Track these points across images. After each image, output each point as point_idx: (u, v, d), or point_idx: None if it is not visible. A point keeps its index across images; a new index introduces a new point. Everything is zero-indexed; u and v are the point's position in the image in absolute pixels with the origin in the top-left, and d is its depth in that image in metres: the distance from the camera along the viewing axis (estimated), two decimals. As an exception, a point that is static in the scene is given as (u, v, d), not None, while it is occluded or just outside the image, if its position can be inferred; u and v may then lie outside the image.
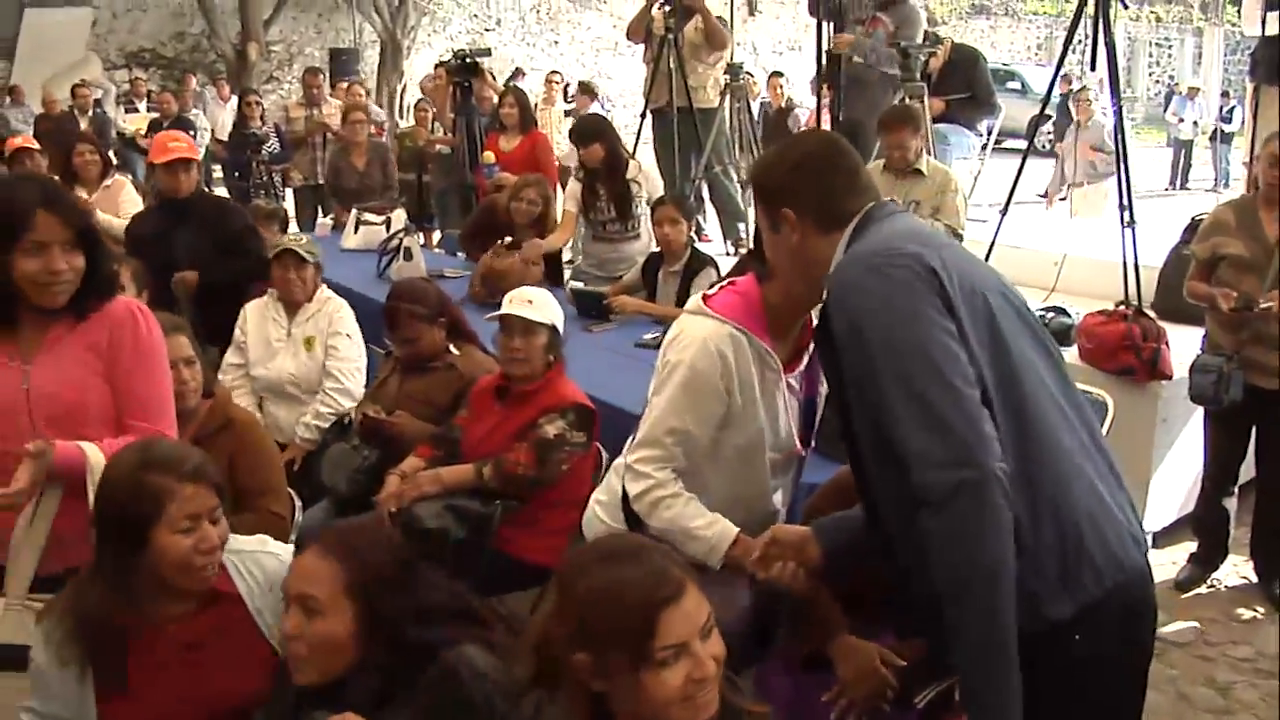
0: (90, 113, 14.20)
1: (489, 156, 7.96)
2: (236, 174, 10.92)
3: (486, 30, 26.48)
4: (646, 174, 6.58)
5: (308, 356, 4.80)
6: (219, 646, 2.43)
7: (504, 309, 3.89)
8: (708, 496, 2.82)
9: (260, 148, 10.31)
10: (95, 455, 2.67)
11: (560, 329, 3.96)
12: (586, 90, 13.28)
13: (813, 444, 3.03)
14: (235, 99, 15.90)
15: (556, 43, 27.98)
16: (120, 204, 6.91)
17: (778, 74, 15.17)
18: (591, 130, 6.60)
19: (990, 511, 1.94)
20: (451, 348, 4.49)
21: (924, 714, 2.74)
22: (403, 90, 22.42)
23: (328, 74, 22.93)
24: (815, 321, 2.40)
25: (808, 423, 2.95)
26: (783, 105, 14.13)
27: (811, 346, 2.83)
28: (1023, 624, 1.98)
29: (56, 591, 2.62)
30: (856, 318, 2.10)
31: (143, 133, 14.19)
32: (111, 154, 12.90)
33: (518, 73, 19.42)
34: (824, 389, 2.93)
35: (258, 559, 2.55)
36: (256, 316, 4.96)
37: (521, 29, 27.24)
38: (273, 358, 4.82)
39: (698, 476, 2.83)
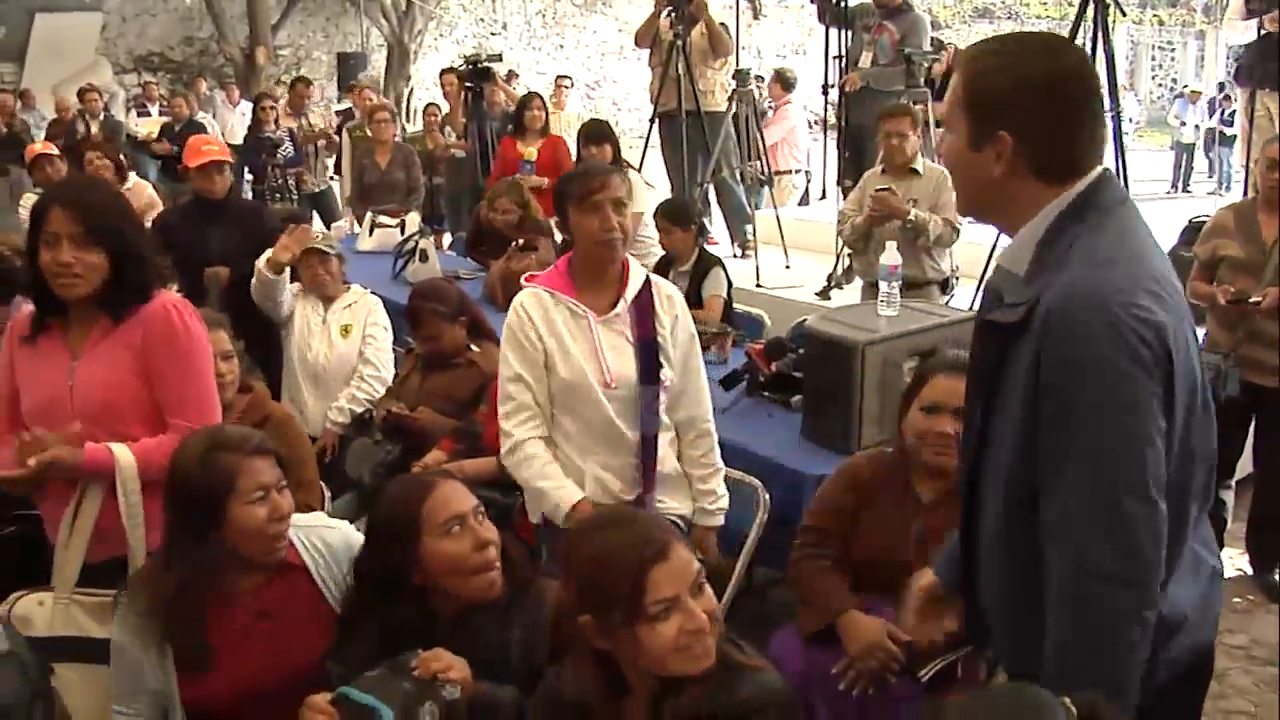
0: (100, 117, 14.33)
1: (531, 153, 8.08)
2: (251, 177, 11.04)
3: (492, 34, 26.61)
4: (632, 183, 6.74)
5: (344, 343, 5.01)
6: (290, 614, 2.60)
7: None
8: (565, 435, 3.38)
9: (275, 151, 10.45)
10: (125, 456, 2.84)
11: None
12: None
13: (663, 381, 3.36)
14: (243, 103, 16.09)
15: (562, 46, 28.10)
16: (143, 208, 7.05)
17: (760, 78, 15.31)
18: (602, 132, 6.81)
19: (1139, 633, 1.86)
20: (471, 345, 4.64)
21: (929, 686, 2.87)
22: (409, 94, 22.56)
23: (336, 78, 23.27)
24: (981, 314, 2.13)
25: (645, 362, 3.33)
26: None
27: (628, 293, 3.32)
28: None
29: (100, 581, 2.84)
30: (1076, 379, 1.85)
31: (154, 136, 14.29)
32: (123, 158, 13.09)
33: (511, 76, 19.54)
34: (663, 334, 3.35)
35: (320, 533, 2.73)
36: (299, 306, 5.15)
37: (527, 33, 27.37)
38: (309, 338, 5.00)
39: (555, 421, 3.39)
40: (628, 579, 2.03)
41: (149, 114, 16.74)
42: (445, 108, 10.83)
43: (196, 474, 2.51)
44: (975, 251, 6.09)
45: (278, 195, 10.23)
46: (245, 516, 2.51)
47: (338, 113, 13.37)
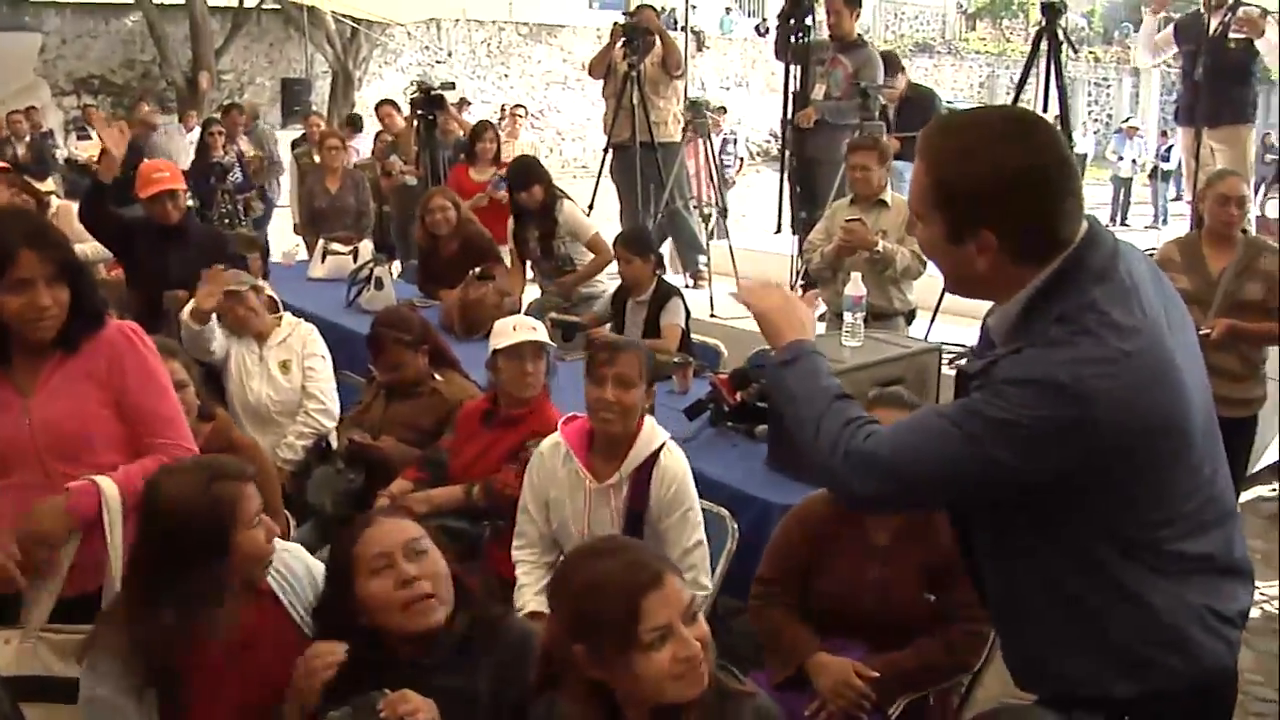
0: (27, 139, 14.08)
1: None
2: (198, 203, 10.90)
3: (437, 62, 26.59)
4: (568, 214, 6.80)
5: (285, 379, 4.93)
6: (267, 643, 2.57)
7: (511, 338, 4.04)
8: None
9: (225, 177, 10.36)
10: (110, 488, 2.78)
11: (552, 354, 4.17)
12: None
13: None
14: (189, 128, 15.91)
15: (506, 75, 28.13)
16: (74, 234, 6.86)
17: (722, 108, 15.50)
18: (528, 175, 6.84)
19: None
20: (435, 374, 4.62)
21: None
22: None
23: (280, 104, 23.13)
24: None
25: (630, 529, 3.44)
26: (725, 136, 14.40)
27: (626, 465, 3.46)
28: (1087, 692, 2.02)
29: (69, 617, 2.77)
30: (981, 405, 1.92)
31: (95, 160, 14.05)
32: (54, 181, 12.87)
33: (463, 104, 19.53)
34: (654, 503, 3.45)
35: (283, 558, 2.71)
36: (234, 347, 5.05)
37: (472, 61, 27.38)
38: (248, 380, 4.93)
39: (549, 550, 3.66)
40: (621, 607, 2.02)
41: (89, 137, 16.49)
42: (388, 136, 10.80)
43: (200, 504, 2.47)
44: (932, 283, 6.15)
45: (226, 221, 10.12)
46: (249, 542, 2.51)
47: (293, 143, 13.30)
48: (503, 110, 23.43)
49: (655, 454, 3.51)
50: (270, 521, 2.59)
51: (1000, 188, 1.88)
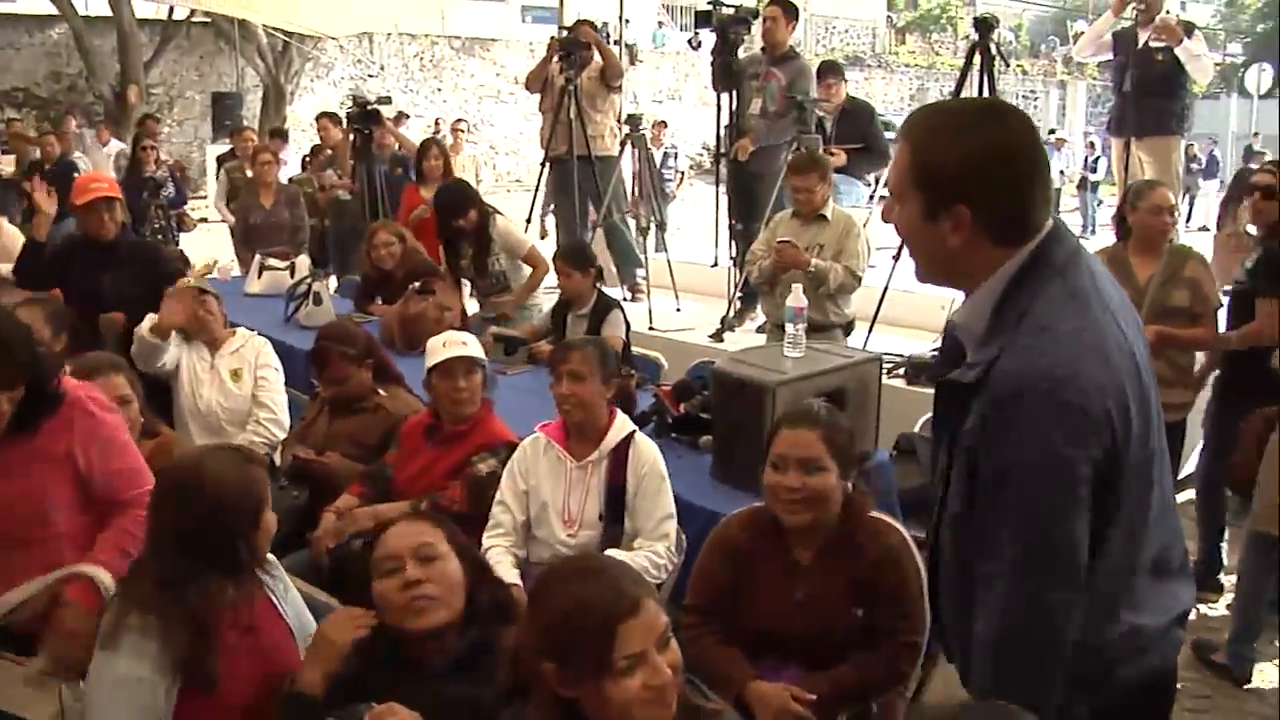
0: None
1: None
2: (132, 218, 10.79)
3: (370, 76, 26.48)
4: (503, 231, 6.81)
5: (235, 388, 4.94)
6: (264, 627, 2.68)
7: (441, 355, 4.06)
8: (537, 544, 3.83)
9: (159, 192, 10.25)
10: (105, 578, 2.88)
11: (488, 368, 4.16)
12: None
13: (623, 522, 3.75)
14: (114, 142, 15.72)
15: (439, 89, 28.08)
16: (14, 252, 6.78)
17: (661, 123, 15.53)
18: (465, 199, 6.84)
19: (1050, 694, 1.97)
20: (379, 390, 4.60)
21: None
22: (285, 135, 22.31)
23: (210, 118, 22.90)
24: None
25: (612, 505, 3.74)
26: (665, 150, 14.47)
27: (605, 445, 3.76)
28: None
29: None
30: (1013, 458, 1.92)
31: (19, 175, 13.84)
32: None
33: (400, 117, 19.45)
34: (631, 479, 3.72)
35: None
36: (185, 355, 5.08)
37: (405, 75, 27.30)
38: (198, 387, 4.90)
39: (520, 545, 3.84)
40: (596, 632, 2.01)
41: (9, 151, 16.24)
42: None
43: (242, 482, 2.62)
44: (870, 293, 6.25)
45: (160, 236, 10.02)
46: (270, 522, 2.68)
47: (219, 158, 13.18)
48: (436, 124, 23.45)
49: (629, 438, 3.80)
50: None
51: (978, 164, 1.95)
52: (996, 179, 1.96)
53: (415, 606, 2.51)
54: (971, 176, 1.95)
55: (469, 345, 4.12)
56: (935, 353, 5.96)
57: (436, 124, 23.62)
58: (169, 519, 2.60)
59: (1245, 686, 4.66)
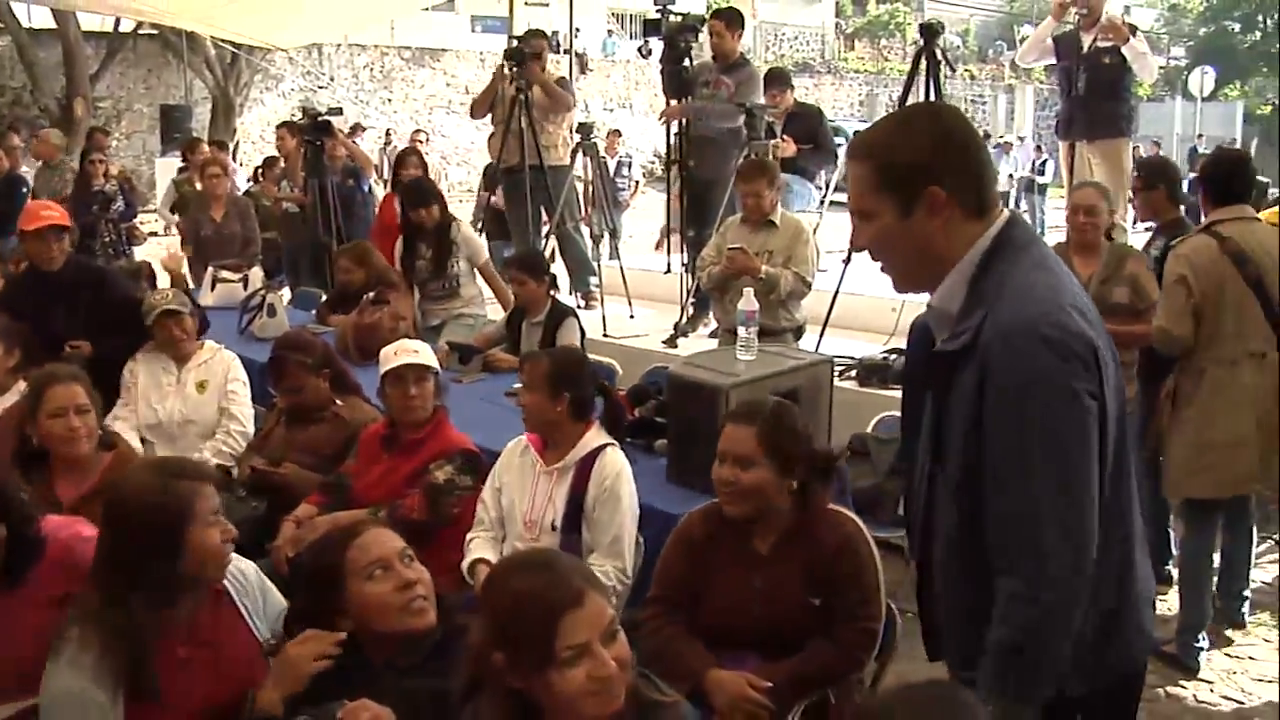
0: None
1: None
2: (82, 233, 10.67)
3: (320, 88, 26.38)
4: (467, 237, 6.88)
5: (200, 400, 4.97)
6: (226, 642, 2.67)
7: (393, 362, 4.09)
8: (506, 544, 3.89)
9: (108, 206, 10.17)
10: None
11: (441, 375, 4.20)
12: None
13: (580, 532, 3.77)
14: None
15: (389, 100, 28.03)
16: None
17: (616, 132, 15.57)
18: (426, 194, 6.93)
19: (1064, 628, 2.04)
20: (336, 400, 4.62)
21: None
22: (235, 148, 22.17)
23: (159, 131, 22.73)
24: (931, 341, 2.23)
25: (571, 512, 3.76)
26: (620, 159, 14.50)
27: (573, 454, 3.80)
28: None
29: None
30: (1024, 392, 2.02)
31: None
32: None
33: (357, 129, 19.40)
34: (592, 490, 3.74)
35: (236, 563, 2.81)
36: (146, 365, 5.10)
37: (355, 86, 27.22)
38: (163, 400, 4.91)
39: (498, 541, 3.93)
40: (540, 622, 2.06)
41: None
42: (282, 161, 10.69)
43: (156, 503, 2.55)
44: (822, 297, 6.33)
45: (110, 251, 9.95)
46: (205, 539, 2.57)
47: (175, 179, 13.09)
48: (388, 135, 23.40)
49: (599, 450, 3.82)
50: (228, 524, 2.65)
51: (934, 147, 2.11)
52: (955, 155, 2.12)
53: (414, 607, 2.56)
54: (933, 159, 2.10)
55: (420, 353, 4.16)
56: (886, 355, 6.05)
57: (388, 135, 23.57)
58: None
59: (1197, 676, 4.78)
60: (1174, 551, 5.44)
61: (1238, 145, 28.52)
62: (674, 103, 7.71)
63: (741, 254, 5.71)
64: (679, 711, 2.22)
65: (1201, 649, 4.83)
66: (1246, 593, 5.17)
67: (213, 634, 2.64)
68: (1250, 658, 4.95)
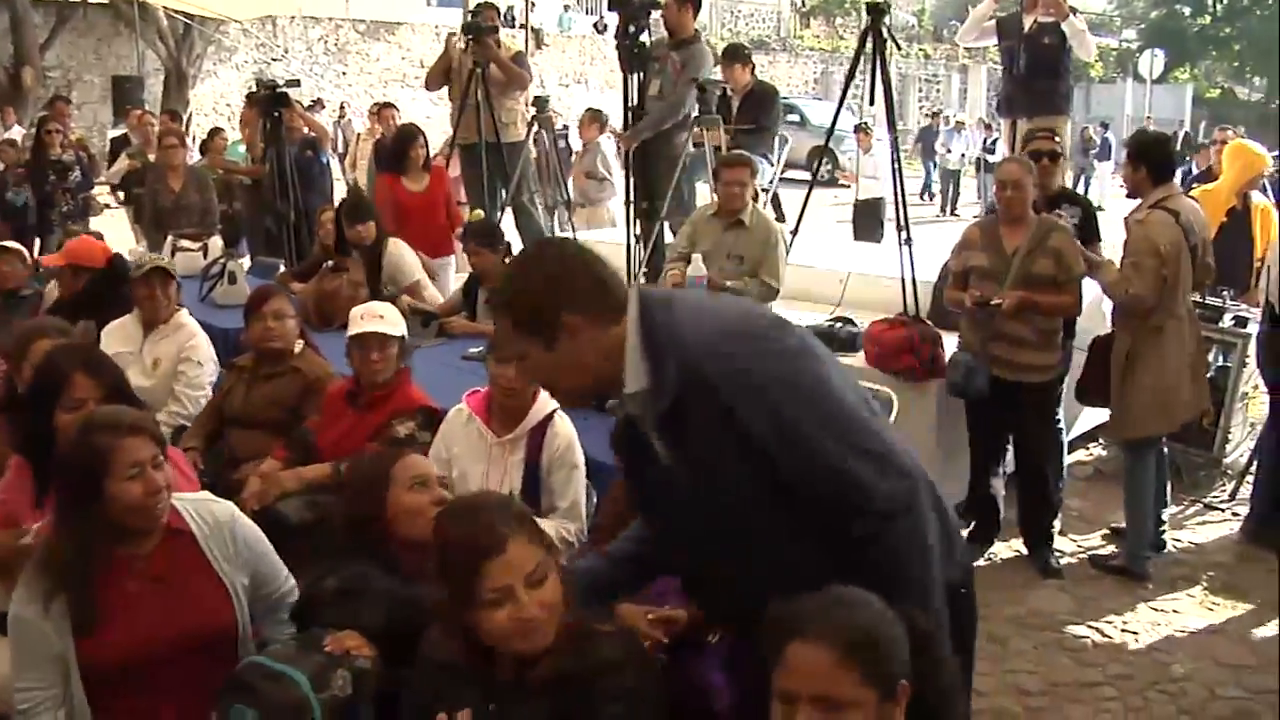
0: None
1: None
2: (39, 203, 10.65)
3: (274, 60, 26.26)
4: (396, 258, 6.81)
5: (155, 376, 5.08)
6: (180, 579, 2.77)
7: (360, 327, 4.25)
8: None
9: (67, 176, 10.18)
10: None
11: (406, 338, 4.33)
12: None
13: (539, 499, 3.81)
14: (17, 128, 15.53)
15: (344, 74, 27.92)
16: None
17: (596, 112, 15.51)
18: (366, 207, 6.97)
19: (926, 512, 2.20)
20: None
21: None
22: (188, 120, 22.05)
23: (110, 101, 22.57)
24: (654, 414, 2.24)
25: (529, 481, 3.82)
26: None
27: (525, 423, 3.84)
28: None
29: None
30: (762, 390, 2.12)
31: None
32: None
33: (317, 104, 19.38)
34: (545, 458, 3.83)
35: (207, 506, 2.92)
36: (114, 333, 5.26)
37: (309, 59, 27.09)
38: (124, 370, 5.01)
39: None
40: (464, 568, 2.27)
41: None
42: (235, 134, 10.74)
43: (75, 454, 2.71)
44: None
45: (69, 221, 9.96)
46: (121, 492, 2.66)
47: (113, 139, 13.06)
48: (342, 109, 23.33)
49: (549, 417, 3.88)
50: (163, 473, 2.74)
51: (553, 278, 2.24)
52: (573, 278, 2.24)
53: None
54: (554, 290, 2.22)
55: (386, 318, 4.32)
56: (832, 323, 6.24)
57: (342, 109, 23.49)
58: None
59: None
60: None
61: (1186, 127, 29.07)
62: (629, 76, 7.80)
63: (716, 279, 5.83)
64: (619, 640, 2.39)
65: (1149, 558, 5.55)
66: (1164, 517, 5.77)
67: (166, 571, 2.75)
68: (1175, 611, 5.21)
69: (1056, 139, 6.37)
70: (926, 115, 28.52)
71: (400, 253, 6.78)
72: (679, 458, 2.25)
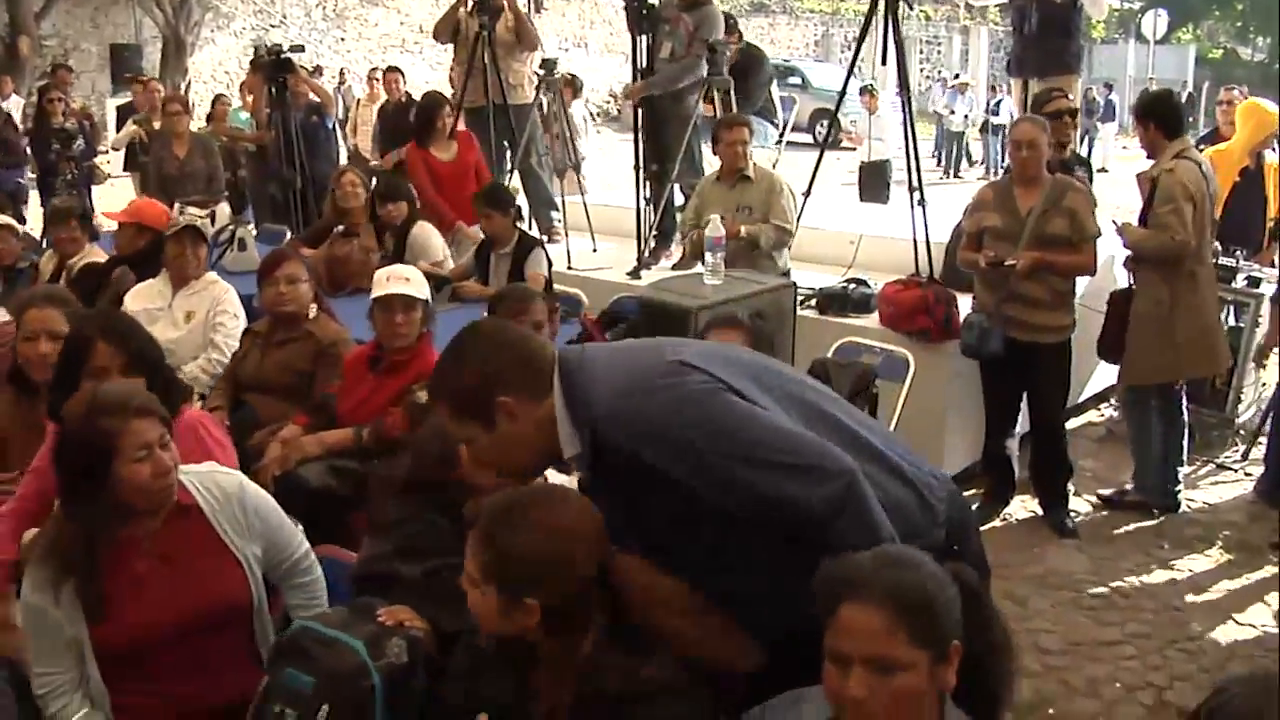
0: None
1: None
2: (43, 172, 10.62)
3: (272, 26, 26.08)
4: (424, 238, 6.80)
5: (186, 328, 5.07)
6: (190, 556, 2.73)
7: (383, 289, 4.22)
8: None
9: (70, 144, 10.14)
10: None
11: (430, 301, 4.32)
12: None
13: None
14: (15, 97, 15.45)
15: (343, 39, 27.75)
16: None
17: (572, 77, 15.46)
18: (399, 189, 6.98)
19: (869, 499, 2.13)
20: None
21: None
22: (187, 88, 21.94)
23: (108, 70, 22.44)
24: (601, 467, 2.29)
25: None
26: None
27: None
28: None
29: None
30: (681, 438, 2.14)
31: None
32: None
33: (317, 70, 19.27)
34: None
35: (213, 478, 2.87)
36: (143, 291, 5.27)
37: (308, 25, 26.90)
38: (151, 324, 4.99)
39: None
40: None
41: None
42: (236, 101, 10.70)
43: (80, 437, 2.64)
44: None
45: (72, 191, 9.93)
46: (130, 474, 2.62)
47: (119, 107, 13.00)
48: (342, 75, 23.22)
49: None
50: (170, 453, 2.69)
51: (486, 362, 2.29)
52: (505, 361, 2.29)
53: None
54: (491, 375, 2.27)
55: (411, 282, 4.28)
56: (845, 285, 6.23)
57: (342, 74, 23.37)
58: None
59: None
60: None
61: (1189, 87, 28.93)
62: (638, 37, 7.75)
63: (729, 222, 5.81)
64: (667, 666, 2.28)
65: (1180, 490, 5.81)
66: (1180, 477, 5.87)
67: (175, 549, 2.71)
68: (1190, 570, 5.22)
69: (1070, 97, 6.34)
70: (927, 77, 28.43)
71: (426, 234, 6.78)
72: (624, 504, 2.30)
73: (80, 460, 2.63)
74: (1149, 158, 5.65)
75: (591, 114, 16.40)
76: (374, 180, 7.38)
